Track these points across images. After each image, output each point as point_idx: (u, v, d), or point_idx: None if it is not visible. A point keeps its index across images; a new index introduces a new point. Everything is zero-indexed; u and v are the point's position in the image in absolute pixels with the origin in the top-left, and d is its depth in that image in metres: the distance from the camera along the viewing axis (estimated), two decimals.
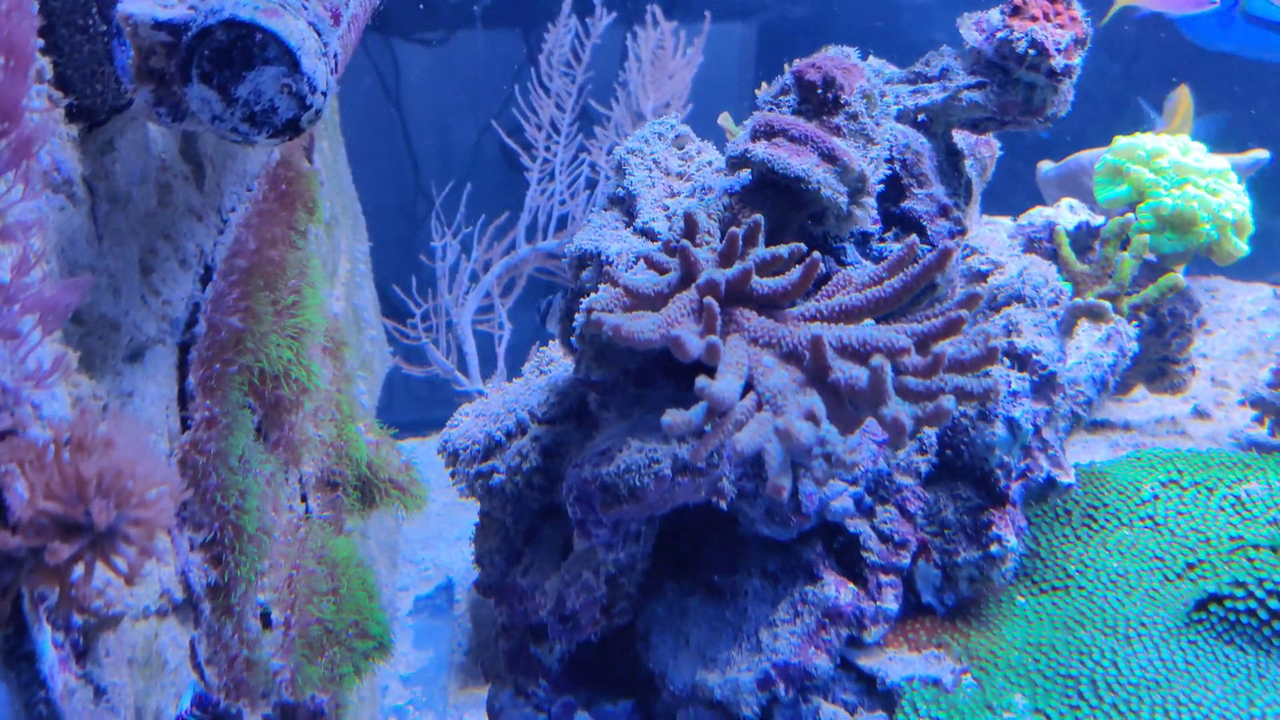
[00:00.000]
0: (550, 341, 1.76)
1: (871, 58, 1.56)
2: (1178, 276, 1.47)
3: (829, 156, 1.23)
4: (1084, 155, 2.44)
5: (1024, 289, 1.51)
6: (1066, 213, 1.85)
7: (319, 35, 1.09)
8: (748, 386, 1.06)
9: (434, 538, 2.95)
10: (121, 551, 0.89)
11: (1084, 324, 1.58)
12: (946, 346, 1.05)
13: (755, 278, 1.12)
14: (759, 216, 1.18)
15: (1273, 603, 1.23)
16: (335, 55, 1.13)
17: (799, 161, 1.22)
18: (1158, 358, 1.84)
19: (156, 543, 1.01)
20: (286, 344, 1.51)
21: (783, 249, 1.15)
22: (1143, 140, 1.86)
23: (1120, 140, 1.92)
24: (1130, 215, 1.55)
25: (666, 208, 1.47)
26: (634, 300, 1.15)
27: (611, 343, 1.19)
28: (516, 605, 1.52)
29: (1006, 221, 1.89)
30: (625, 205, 1.49)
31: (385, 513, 2.68)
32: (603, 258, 1.40)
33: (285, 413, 1.59)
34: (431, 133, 4.29)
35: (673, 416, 0.98)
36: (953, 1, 1.66)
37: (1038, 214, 1.87)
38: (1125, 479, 1.57)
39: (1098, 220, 1.82)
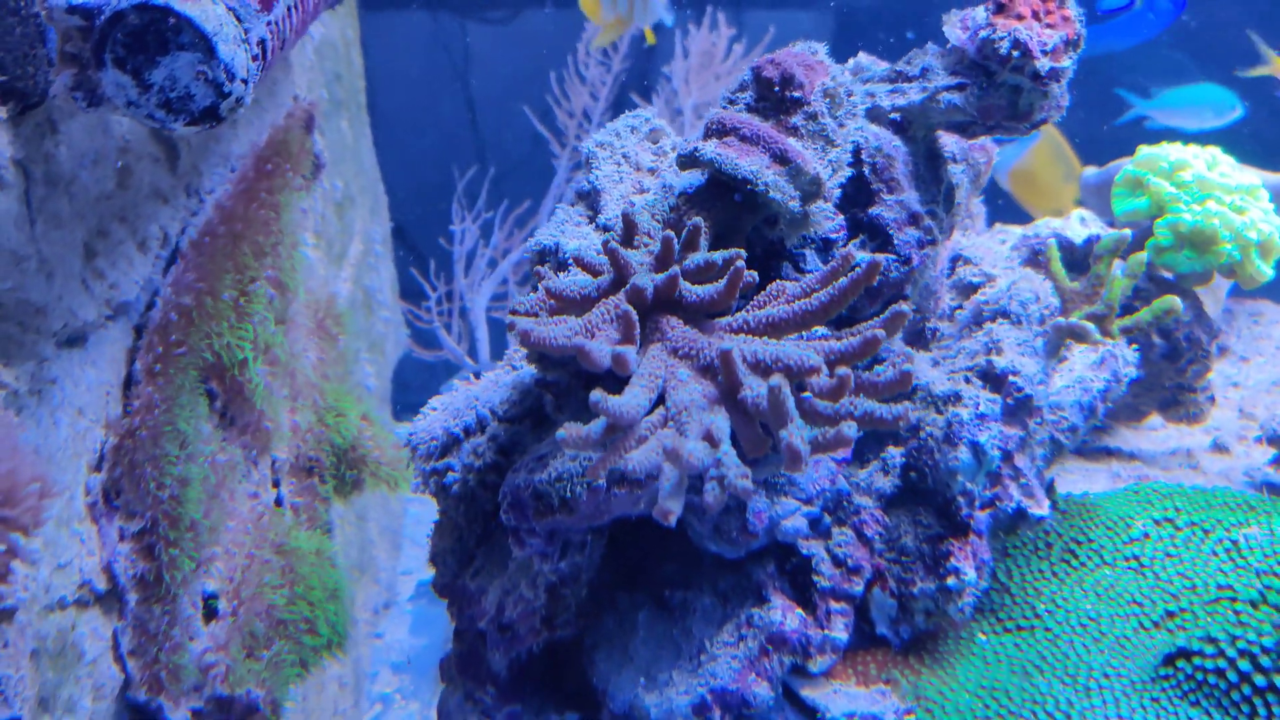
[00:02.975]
0: None
1: (861, 54, 1.49)
2: (1174, 299, 1.36)
3: (780, 157, 1.16)
4: (1128, 162, 2.32)
5: (1010, 305, 1.42)
6: (1077, 225, 1.74)
7: (239, 21, 1.06)
8: (661, 400, 1.00)
9: None
10: None
11: (1081, 346, 1.49)
12: (898, 364, 0.98)
13: (685, 284, 1.07)
14: (699, 219, 1.13)
15: (1243, 664, 1.14)
16: (262, 41, 1.10)
17: (747, 162, 1.16)
18: (1172, 384, 1.73)
19: (35, 541, 0.99)
20: (249, 327, 1.49)
21: (717, 255, 1.09)
22: (1166, 151, 1.74)
23: (1143, 150, 1.80)
24: (1127, 230, 1.44)
25: (633, 204, 1.42)
26: (559, 304, 1.10)
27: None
28: (466, 609, 1.48)
29: (1016, 231, 1.79)
30: (590, 200, 1.44)
31: (389, 495, 2.68)
32: (560, 254, 1.36)
33: (251, 397, 1.57)
34: (494, 112, 4.28)
35: (569, 430, 0.94)
36: None
37: (1044, 225, 1.76)
38: (1117, 514, 1.47)
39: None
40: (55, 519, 1.16)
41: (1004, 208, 2.20)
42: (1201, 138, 2.31)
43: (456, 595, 1.51)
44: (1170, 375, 1.71)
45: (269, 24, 1.12)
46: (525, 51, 4.23)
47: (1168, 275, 1.69)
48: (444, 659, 1.68)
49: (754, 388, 0.95)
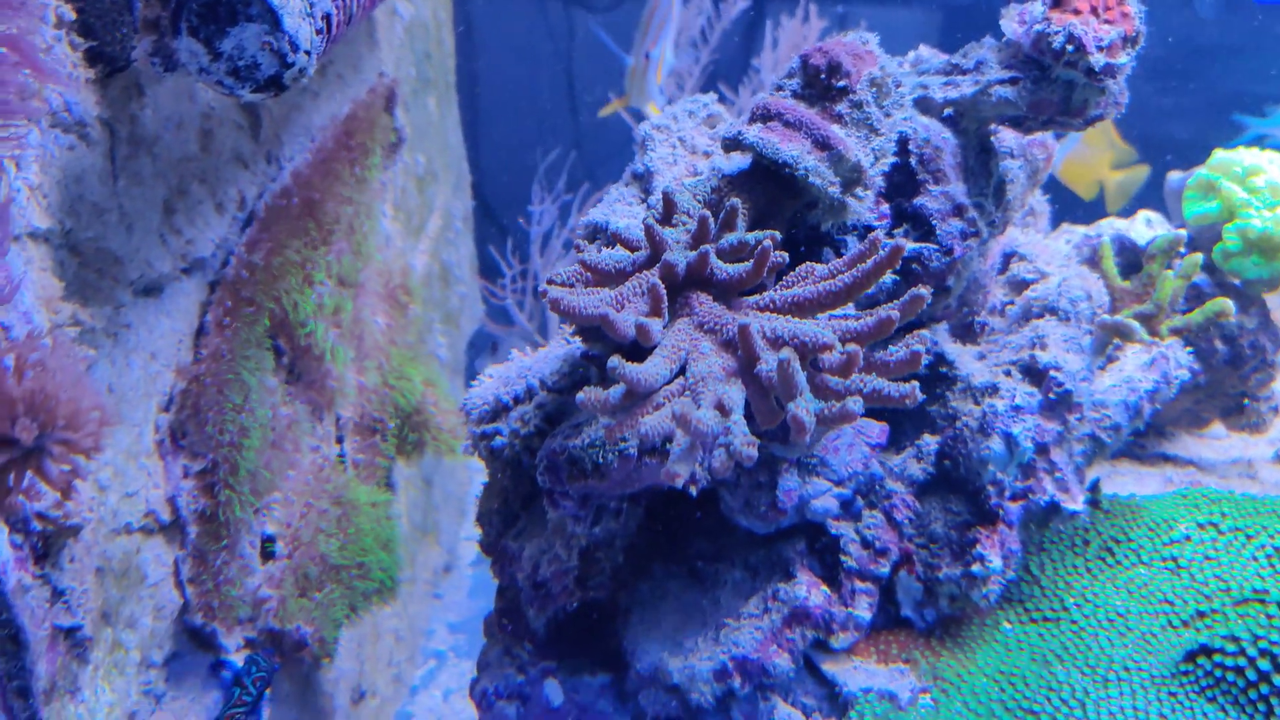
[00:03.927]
0: None
1: (922, 46, 1.49)
2: (1226, 302, 1.34)
3: (822, 144, 1.19)
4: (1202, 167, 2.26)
5: (1059, 302, 1.42)
6: (1141, 226, 1.72)
7: None
8: (684, 371, 1.04)
9: None
10: (47, 468, 0.96)
11: (1134, 347, 1.47)
12: (910, 344, 1.00)
13: (715, 262, 1.10)
14: (736, 201, 1.16)
15: (1263, 663, 1.12)
16: (327, 15, 1.17)
17: (789, 147, 1.18)
18: (1235, 392, 1.69)
19: (105, 470, 1.07)
20: (312, 289, 1.57)
21: (750, 235, 1.12)
22: (1240, 156, 1.70)
23: (1218, 154, 1.76)
24: (1183, 231, 1.42)
25: (681, 185, 1.45)
26: (595, 276, 1.15)
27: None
28: (508, 567, 1.54)
29: (1080, 230, 1.77)
30: (643, 182, 1.48)
31: (456, 464, 2.76)
32: (609, 231, 1.40)
33: (317, 356, 1.66)
34: (590, 99, 4.34)
35: (588, 394, 0.98)
36: None
37: (1108, 225, 1.74)
38: (1160, 516, 1.45)
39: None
40: (125, 451, 1.25)
41: (1073, 208, 2.17)
42: None
43: (500, 554, 1.57)
44: (1233, 382, 1.68)
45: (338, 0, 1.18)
46: (626, 41, 4.28)
47: (1235, 281, 1.66)
48: (487, 616, 1.74)
49: (769, 361, 0.98)
